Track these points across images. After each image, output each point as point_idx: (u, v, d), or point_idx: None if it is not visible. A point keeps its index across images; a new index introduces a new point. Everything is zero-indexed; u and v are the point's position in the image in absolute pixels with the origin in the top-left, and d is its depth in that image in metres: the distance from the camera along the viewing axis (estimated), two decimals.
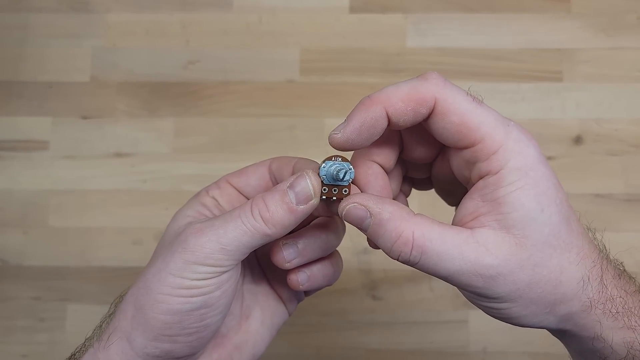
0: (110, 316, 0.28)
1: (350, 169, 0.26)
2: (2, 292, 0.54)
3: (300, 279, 0.29)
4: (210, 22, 0.59)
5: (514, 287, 0.24)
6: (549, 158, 0.55)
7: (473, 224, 0.25)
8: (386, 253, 0.25)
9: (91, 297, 0.54)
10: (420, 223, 0.24)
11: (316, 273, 0.30)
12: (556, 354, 0.52)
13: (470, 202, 0.25)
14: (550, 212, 0.24)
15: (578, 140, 0.55)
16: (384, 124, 0.25)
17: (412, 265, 0.25)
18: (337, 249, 0.31)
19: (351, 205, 0.25)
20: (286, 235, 0.28)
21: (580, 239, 0.25)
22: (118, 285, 0.53)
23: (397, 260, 0.25)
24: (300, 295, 0.33)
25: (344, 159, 0.27)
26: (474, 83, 0.56)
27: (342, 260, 0.32)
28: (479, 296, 0.25)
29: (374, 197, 0.25)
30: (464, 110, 0.24)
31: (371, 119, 0.25)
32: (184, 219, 0.29)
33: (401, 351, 0.52)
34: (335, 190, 0.27)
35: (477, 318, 0.52)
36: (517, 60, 0.57)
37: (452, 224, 0.26)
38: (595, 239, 0.27)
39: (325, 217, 0.29)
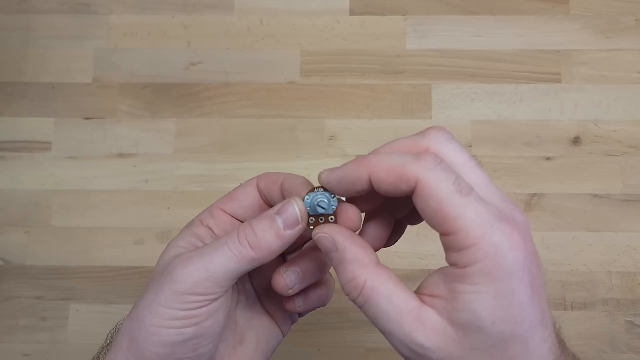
0: (106, 347, 0.29)
1: (333, 198, 0.28)
2: (4, 291, 0.55)
3: (297, 302, 0.30)
4: (211, 23, 0.59)
5: None
6: (547, 159, 0.55)
7: (428, 300, 0.25)
8: (340, 285, 0.26)
9: (93, 296, 0.54)
10: (377, 275, 0.25)
11: (311, 295, 0.31)
12: None
13: (435, 279, 0.25)
14: (502, 329, 0.23)
15: (576, 141, 0.55)
16: (364, 186, 0.26)
17: (359, 307, 0.26)
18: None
19: (322, 235, 0.27)
20: (279, 264, 0.30)
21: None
22: (120, 285, 0.54)
23: (347, 297, 0.26)
24: (293, 316, 0.34)
25: (326, 189, 0.28)
26: (473, 84, 0.57)
27: (334, 281, 0.32)
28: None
29: (345, 234, 0.26)
30: (443, 199, 0.23)
31: (352, 177, 0.26)
32: (175, 249, 0.29)
33: None
34: (321, 220, 0.28)
35: None
36: (516, 61, 0.57)
37: (416, 289, 0.26)
38: None
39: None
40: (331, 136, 0.56)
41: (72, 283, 0.54)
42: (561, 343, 0.25)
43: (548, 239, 0.53)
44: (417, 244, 0.54)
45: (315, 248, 0.30)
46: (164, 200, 0.56)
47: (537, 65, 0.57)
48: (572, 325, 0.52)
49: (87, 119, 0.58)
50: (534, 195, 0.54)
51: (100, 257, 0.55)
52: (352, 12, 0.59)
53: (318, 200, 0.28)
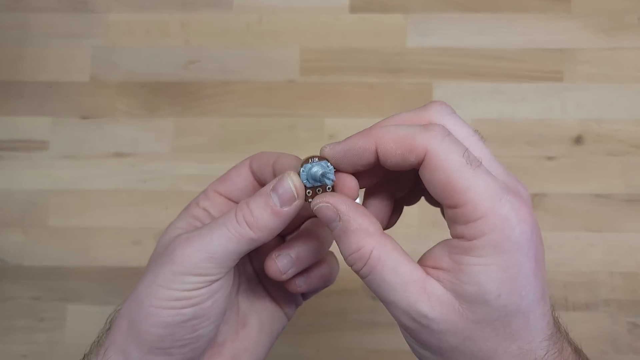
0: (107, 331, 0.29)
1: (329, 167, 0.26)
2: (2, 292, 0.54)
3: (298, 282, 0.30)
4: (210, 21, 0.59)
5: (439, 343, 0.24)
6: (549, 158, 0.55)
7: (432, 272, 0.24)
8: (342, 257, 0.25)
9: (91, 297, 0.54)
10: (382, 244, 0.24)
11: (312, 274, 0.30)
12: None
13: (440, 251, 0.25)
14: (506, 302, 0.23)
15: (578, 140, 0.55)
16: (370, 159, 0.25)
17: (361, 278, 0.25)
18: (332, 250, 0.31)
19: (324, 204, 0.25)
20: (278, 245, 0.29)
21: (532, 335, 0.23)
22: (118, 286, 0.54)
23: (351, 268, 0.25)
24: (298, 299, 0.33)
25: (320, 158, 0.26)
26: (474, 83, 0.56)
27: (337, 260, 0.32)
28: (407, 334, 0.25)
29: (348, 203, 0.25)
30: (452, 171, 0.23)
31: (359, 149, 0.25)
32: (174, 231, 0.29)
33: (401, 351, 0.52)
34: (319, 191, 0.27)
35: None
36: (518, 60, 0.57)
37: (419, 260, 0.26)
38: (566, 344, 0.25)
39: (315, 217, 0.29)
40: (331, 135, 0.56)
41: (70, 284, 0.54)
42: (555, 320, 0.26)
43: (550, 239, 0.53)
44: (418, 244, 0.53)
45: (312, 228, 0.30)
46: (163, 200, 0.55)
47: (539, 64, 0.57)
48: (573, 326, 0.51)
49: (84, 118, 0.57)
50: (536, 195, 0.54)
51: (98, 257, 0.54)
52: (352, 10, 0.59)
53: (314, 170, 0.26)
